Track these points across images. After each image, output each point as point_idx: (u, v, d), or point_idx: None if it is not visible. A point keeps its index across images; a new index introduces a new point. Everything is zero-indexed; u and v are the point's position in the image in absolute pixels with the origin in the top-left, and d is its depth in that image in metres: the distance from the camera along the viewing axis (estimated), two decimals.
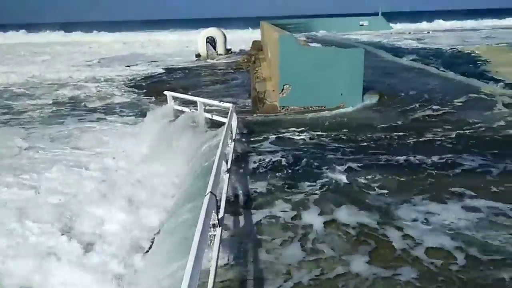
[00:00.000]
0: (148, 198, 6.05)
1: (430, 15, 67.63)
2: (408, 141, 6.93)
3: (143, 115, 10.54)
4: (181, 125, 8.10)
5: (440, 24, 51.08)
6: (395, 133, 7.31)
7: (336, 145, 6.85)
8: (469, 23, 51.64)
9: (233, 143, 6.35)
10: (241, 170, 5.88)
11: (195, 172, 5.90)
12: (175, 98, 9.98)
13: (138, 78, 19.11)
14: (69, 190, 6.84)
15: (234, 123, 7.14)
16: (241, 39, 36.70)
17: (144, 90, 15.79)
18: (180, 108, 9.49)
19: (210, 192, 3.56)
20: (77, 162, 8.18)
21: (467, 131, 7.25)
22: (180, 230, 4.15)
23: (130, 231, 5.34)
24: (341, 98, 9.56)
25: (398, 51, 21.61)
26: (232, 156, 5.81)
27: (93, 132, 10.46)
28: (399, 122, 8.07)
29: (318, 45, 22.54)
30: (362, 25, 43.26)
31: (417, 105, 9.32)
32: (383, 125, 7.90)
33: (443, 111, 8.66)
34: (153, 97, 13.77)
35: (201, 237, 2.83)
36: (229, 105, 7.68)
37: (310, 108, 9.62)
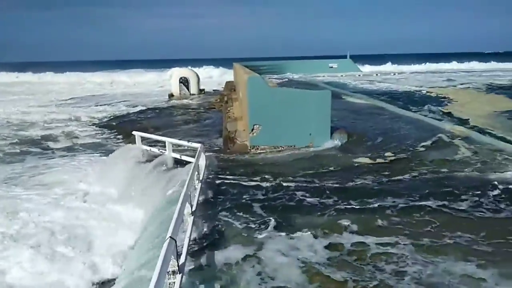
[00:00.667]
0: (107, 244, 5.77)
1: (396, 58, 71.05)
2: (374, 183, 6.98)
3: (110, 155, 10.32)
4: (148, 165, 7.93)
5: (406, 67, 53.51)
6: (359, 176, 7.30)
7: (304, 188, 6.82)
8: (434, 66, 54.36)
9: (200, 183, 6.24)
10: (208, 212, 5.73)
11: (159, 216, 5.71)
12: (143, 138, 9.85)
13: (109, 118, 18.88)
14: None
15: (203, 163, 7.06)
16: (215, 79, 37.26)
17: (114, 130, 15.56)
18: (148, 148, 9.35)
19: (170, 237, 3.42)
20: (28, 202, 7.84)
21: (430, 172, 7.41)
22: (138, 279, 3.93)
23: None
24: (310, 138, 9.68)
25: (366, 92, 22.36)
26: (198, 197, 5.69)
27: (54, 171, 10.13)
28: (366, 162, 8.18)
29: (287, 87, 23.09)
30: (331, 67, 44.84)
31: (383, 145, 9.52)
32: (349, 165, 7.97)
33: (410, 151, 8.83)
34: (122, 137, 13.58)
35: (157, 284, 2.68)
36: (198, 145, 7.62)
37: (280, 148, 9.68)
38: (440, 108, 15.88)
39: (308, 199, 6.14)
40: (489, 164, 7.62)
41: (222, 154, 9.53)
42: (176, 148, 9.01)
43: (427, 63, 56.97)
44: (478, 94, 19.69)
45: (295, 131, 9.66)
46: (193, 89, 26.51)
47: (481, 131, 11.04)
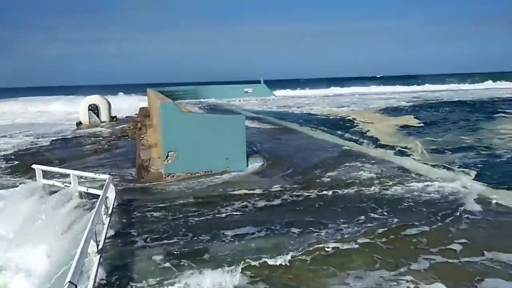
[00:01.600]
0: None
1: (308, 83, 75.16)
2: (288, 208, 7.06)
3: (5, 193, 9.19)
4: (50, 202, 7.20)
5: (316, 91, 56.64)
6: (276, 200, 7.34)
7: (218, 216, 6.71)
8: (343, 90, 58.17)
9: (108, 218, 5.80)
10: (117, 250, 5.32)
11: (61, 258, 5.15)
12: (46, 172, 8.98)
13: (8, 151, 17.05)
14: None
15: (112, 196, 6.61)
16: (128, 106, 35.84)
17: (12, 164, 14.04)
18: (50, 182, 8.53)
19: (70, 282, 3.07)
20: None
21: (343, 192, 7.77)
22: None
23: None
24: (227, 163, 9.65)
25: (280, 116, 23.14)
26: (107, 233, 5.26)
27: None
28: (284, 186, 8.30)
29: (202, 111, 23.10)
30: (246, 92, 45.92)
31: (299, 168, 9.80)
32: (266, 191, 8.03)
33: (325, 173, 9.10)
34: (21, 172, 12.28)
35: None
36: (106, 176, 7.13)
37: (197, 174, 9.49)
38: (349, 127, 16.83)
39: (224, 225, 6.02)
40: (391, 181, 8.22)
41: (135, 184, 9.06)
42: (83, 181, 8.36)
43: (332, 87, 60.77)
44: (379, 114, 21.41)
45: (211, 157, 9.58)
46: (104, 116, 25.21)
47: (397, 152, 11.85)
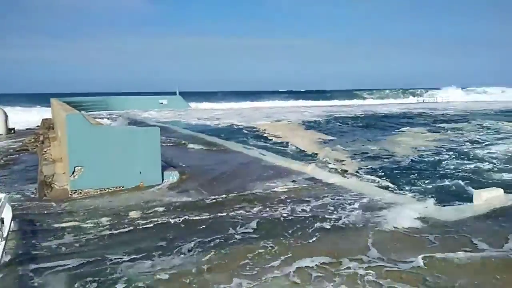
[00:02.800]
0: None
1: (222, 96, 75.87)
2: (201, 224, 7.01)
3: None
4: None
5: (235, 104, 57.37)
6: (194, 216, 7.20)
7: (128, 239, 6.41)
8: (260, 103, 59.61)
9: (4, 241, 5.20)
10: (17, 275, 4.79)
11: None
12: None
13: None
14: None
15: (8, 216, 5.95)
16: (29, 117, 32.82)
17: None
18: None
19: None
20: None
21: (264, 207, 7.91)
22: None
23: None
24: (140, 177, 9.28)
25: (195, 128, 22.98)
26: (1, 258, 4.71)
27: None
28: (200, 201, 8.20)
29: (113, 123, 22.04)
30: (161, 103, 44.91)
31: (215, 181, 9.77)
32: (183, 207, 7.87)
33: (242, 187, 9.11)
34: None
35: None
36: (2, 195, 6.40)
37: (107, 190, 8.98)
38: (269, 139, 17.21)
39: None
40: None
41: (36, 203, 8.26)
42: None
43: (248, 100, 62.23)
44: (296, 127, 22.26)
45: (123, 171, 9.15)
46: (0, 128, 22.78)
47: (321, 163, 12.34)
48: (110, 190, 8.94)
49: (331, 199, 7.95)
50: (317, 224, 6.45)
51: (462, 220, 6.55)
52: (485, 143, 16.05)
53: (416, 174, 10.99)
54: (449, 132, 20.00)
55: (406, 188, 9.41)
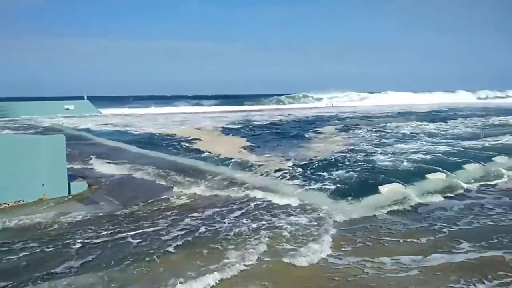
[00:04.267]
0: None
1: (137, 101, 73.08)
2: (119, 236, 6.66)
3: None
4: None
5: (148, 109, 55.17)
6: (104, 230, 6.82)
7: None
8: (174, 109, 57.95)
9: None
10: None
11: None
12: None
13: None
14: None
15: None
16: None
17: None
18: None
19: None
20: None
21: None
22: None
23: None
24: (43, 189, 8.56)
25: (106, 135, 21.72)
26: None
27: None
28: (114, 213, 7.81)
29: (12, 132, 19.96)
30: (68, 109, 41.79)
31: (125, 190, 9.38)
32: (94, 221, 7.43)
33: (152, 199, 8.74)
34: None
35: None
36: None
37: (5, 205, 8.12)
38: (193, 147, 16.33)
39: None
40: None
41: None
42: None
43: (162, 106, 60.35)
44: (216, 133, 21.73)
45: (23, 184, 8.37)
46: None
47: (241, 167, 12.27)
48: (7, 205, 8.10)
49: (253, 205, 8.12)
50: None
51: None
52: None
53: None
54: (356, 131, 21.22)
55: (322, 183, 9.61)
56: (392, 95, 75.89)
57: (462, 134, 19.28)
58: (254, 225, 6.84)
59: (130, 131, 23.96)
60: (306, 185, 9.46)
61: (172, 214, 7.57)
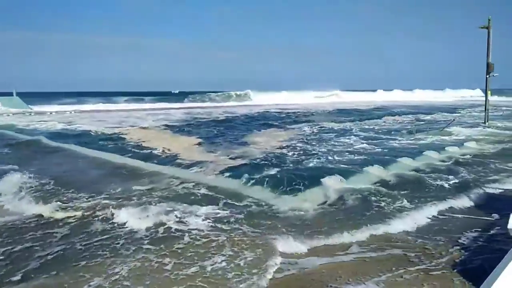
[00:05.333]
0: None
1: (74, 96, 68.82)
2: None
3: None
4: None
5: (83, 106, 52.02)
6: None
7: None
8: (112, 105, 55.01)
9: None
10: None
11: None
12: None
13: None
14: None
15: None
16: None
17: None
18: None
19: None
20: None
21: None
22: None
23: None
24: None
25: (36, 133, 20.36)
26: None
27: None
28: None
29: None
30: None
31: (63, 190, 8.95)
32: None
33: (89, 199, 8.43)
34: None
35: None
36: None
37: None
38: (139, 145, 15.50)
39: None
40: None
41: None
42: None
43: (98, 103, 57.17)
44: (162, 132, 20.69)
45: None
46: None
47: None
48: None
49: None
50: None
51: None
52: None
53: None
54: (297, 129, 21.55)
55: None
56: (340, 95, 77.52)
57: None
58: None
59: (67, 128, 22.81)
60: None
61: None
